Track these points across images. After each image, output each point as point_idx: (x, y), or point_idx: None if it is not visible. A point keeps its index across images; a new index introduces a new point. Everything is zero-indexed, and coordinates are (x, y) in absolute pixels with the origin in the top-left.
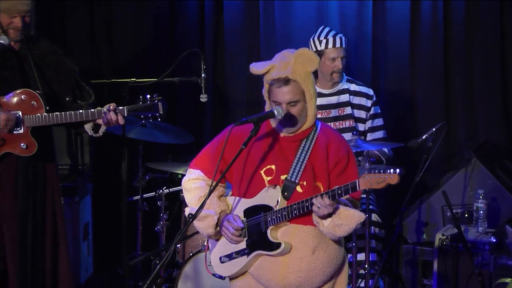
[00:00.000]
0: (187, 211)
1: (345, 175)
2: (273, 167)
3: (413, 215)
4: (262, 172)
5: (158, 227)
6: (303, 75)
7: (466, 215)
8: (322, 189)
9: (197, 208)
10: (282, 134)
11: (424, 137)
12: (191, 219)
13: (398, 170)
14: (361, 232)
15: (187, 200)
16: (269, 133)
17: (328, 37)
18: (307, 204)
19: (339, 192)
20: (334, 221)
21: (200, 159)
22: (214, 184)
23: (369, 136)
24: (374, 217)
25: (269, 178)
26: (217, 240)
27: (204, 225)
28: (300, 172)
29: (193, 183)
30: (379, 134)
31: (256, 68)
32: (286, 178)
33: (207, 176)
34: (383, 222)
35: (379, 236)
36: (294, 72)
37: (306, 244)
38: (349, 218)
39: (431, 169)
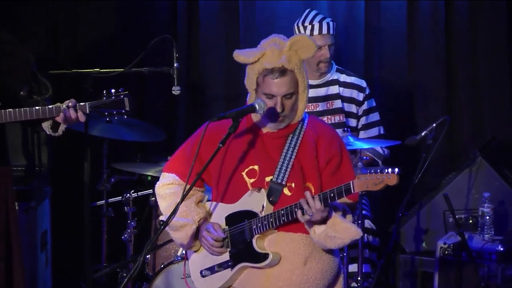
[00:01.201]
0: (161, 218)
1: (339, 174)
2: (256, 167)
3: (411, 221)
4: (244, 173)
5: (125, 235)
6: (298, 64)
7: (471, 221)
8: (313, 191)
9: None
10: (265, 130)
11: (423, 134)
12: (162, 227)
13: (396, 170)
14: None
15: (161, 208)
16: (250, 129)
17: (313, 23)
18: (296, 209)
19: (331, 195)
20: (327, 232)
21: (174, 161)
22: (188, 187)
23: (363, 134)
24: (368, 223)
25: (252, 180)
26: (197, 251)
27: (181, 235)
28: (287, 173)
29: (168, 189)
30: (374, 131)
31: (245, 55)
32: (271, 179)
33: (183, 180)
34: (377, 229)
35: (373, 245)
36: (290, 61)
37: (297, 254)
38: (344, 232)
39: (432, 170)
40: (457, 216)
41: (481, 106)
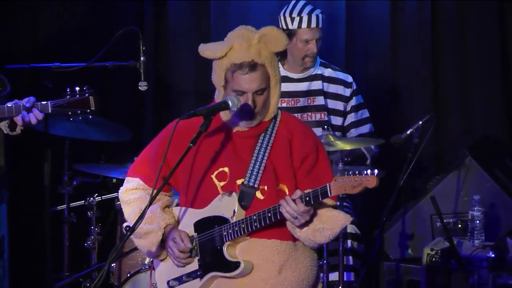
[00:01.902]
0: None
1: (314, 174)
2: (226, 169)
3: (396, 226)
4: (213, 176)
5: (89, 242)
6: (269, 57)
7: (460, 226)
8: (287, 193)
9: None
10: (235, 129)
11: (409, 132)
12: (128, 233)
13: (376, 171)
14: (334, 246)
15: (126, 215)
16: (219, 128)
17: (302, 15)
18: (269, 214)
19: (307, 199)
20: (314, 225)
21: (139, 164)
22: (154, 192)
23: (354, 132)
24: (351, 228)
25: (222, 183)
26: (164, 260)
27: (146, 243)
28: (259, 175)
29: (132, 194)
30: (366, 128)
31: (210, 50)
32: (243, 182)
33: (148, 185)
34: (361, 234)
35: (356, 251)
36: (260, 55)
37: (271, 262)
38: (332, 221)
39: (418, 171)
40: (445, 221)
41: (471, 102)
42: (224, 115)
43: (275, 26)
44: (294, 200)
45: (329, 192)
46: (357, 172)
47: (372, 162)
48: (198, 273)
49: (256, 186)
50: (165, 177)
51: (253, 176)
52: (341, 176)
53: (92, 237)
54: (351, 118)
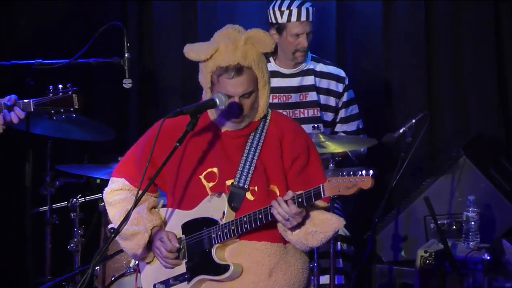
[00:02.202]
0: (112, 225)
1: (306, 174)
2: (215, 170)
3: (389, 228)
4: (202, 177)
5: (72, 245)
6: (256, 59)
7: (454, 227)
8: (278, 194)
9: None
10: (223, 129)
11: (401, 130)
12: (113, 235)
13: (371, 172)
14: (324, 249)
15: (110, 216)
16: (208, 127)
17: (291, 8)
18: (260, 216)
19: (299, 200)
20: (307, 228)
21: (124, 164)
22: (140, 193)
23: (340, 127)
24: (341, 230)
25: (211, 184)
26: (150, 263)
27: (132, 245)
28: (249, 175)
29: (117, 195)
30: (354, 125)
31: (195, 52)
32: (232, 183)
33: (134, 185)
34: (351, 236)
35: (347, 254)
36: (246, 57)
37: (261, 265)
38: (325, 224)
39: (411, 171)
40: (439, 222)
41: (465, 99)
42: (212, 114)
43: (261, 29)
44: (286, 202)
45: (322, 193)
46: (351, 172)
47: (360, 163)
48: (186, 276)
49: (246, 187)
50: (151, 177)
51: (243, 176)
52: (335, 177)
53: (75, 240)
54: (341, 113)
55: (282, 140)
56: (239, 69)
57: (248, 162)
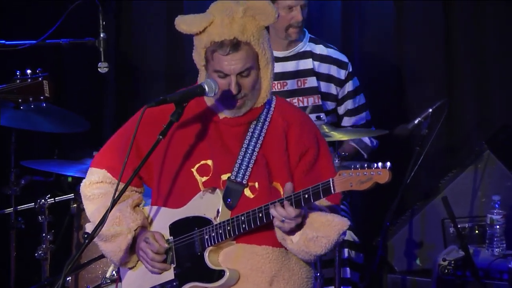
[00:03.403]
0: (88, 228)
1: (316, 172)
2: (209, 162)
3: (402, 232)
4: (193, 170)
5: (40, 252)
6: (256, 34)
7: (477, 232)
8: (282, 192)
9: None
10: (221, 116)
11: (416, 121)
12: (87, 240)
13: (388, 164)
14: (329, 256)
15: (88, 213)
16: (203, 114)
17: None
18: (260, 215)
19: (306, 196)
20: (307, 234)
21: (106, 153)
22: (121, 187)
23: (348, 121)
24: (348, 235)
25: (204, 178)
26: (133, 268)
27: (113, 247)
28: (249, 169)
29: (96, 189)
30: (362, 117)
31: (187, 24)
32: (229, 178)
33: (116, 178)
34: (360, 241)
35: (355, 262)
36: (244, 31)
37: (261, 272)
38: (326, 227)
39: (427, 167)
40: (459, 226)
41: (489, 86)
42: (208, 100)
43: None
44: (281, 204)
45: (332, 188)
46: (365, 165)
47: (370, 158)
48: (174, 283)
49: (244, 182)
50: (135, 169)
51: (242, 170)
52: (347, 170)
53: (44, 246)
54: (348, 105)
55: (288, 132)
56: (235, 45)
57: (248, 154)
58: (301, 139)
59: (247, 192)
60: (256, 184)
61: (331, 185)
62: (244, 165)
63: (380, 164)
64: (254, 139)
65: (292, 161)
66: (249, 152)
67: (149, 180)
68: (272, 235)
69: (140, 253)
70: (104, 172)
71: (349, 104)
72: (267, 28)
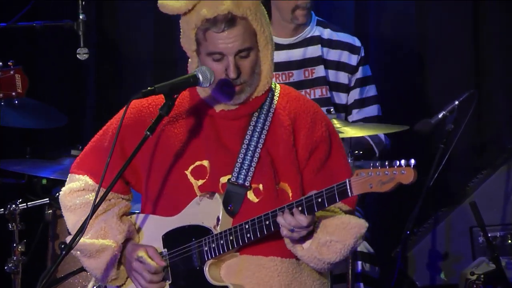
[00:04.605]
0: (69, 240)
1: (328, 170)
2: (205, 163)
3: (424, 242)
4: (188, 172)
5: (10, 265)
6: (252, 7)
7: (510, 241)
8: (290, 194)
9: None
10: (218, 108)
11: (441, 115)
12: (64, 251)
13: (412, 161)
14: (340, 270)
15: (69, 226)
16: (196, 108)
17: None
18: (267, 222)
19: (319, 200)
20: (319, 238)
21: (88, 157)
22: (101, 194)
23: (356, 115)
24: (361, 245)
25: (200, 182)
26: (121, 286)
27: (98, 263)
28: (252, 169)
29: (78, 197)
30: (372, 110)
31: (172, 4)
32: (229, 180)
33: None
34: (376, 253)
35: (370, 277)
36: (239, 4)
37: (269, 286)
38: (342, 231)
39: (453, 168)
40: (489, 235)
41: None
42: (202, 91)
43: None
44: (290, 211)
45: (349, 191)
46: (386, 163)
47: (381, 157)
48: None
49: (247, 184)
50: (118, 172)
51: (243, 171)
52: (365, 169)
53: (15, 258)
54: (354, 94)
55: (295, 124)
56: (231, 20)
57: (250, 152)
58: (311, 133)
59: (251, 195)
60: (261, 186)
61: (348, 187)
62: (245, 165)
63: (403, 161)
64: (257, 134)
65: (301, 158)
66: (251, 149)
67: (137, 185)
68: (281, 244)
69: (134, 275)
70: (86, 178)
71: (356, 94)
72: (269, 12)
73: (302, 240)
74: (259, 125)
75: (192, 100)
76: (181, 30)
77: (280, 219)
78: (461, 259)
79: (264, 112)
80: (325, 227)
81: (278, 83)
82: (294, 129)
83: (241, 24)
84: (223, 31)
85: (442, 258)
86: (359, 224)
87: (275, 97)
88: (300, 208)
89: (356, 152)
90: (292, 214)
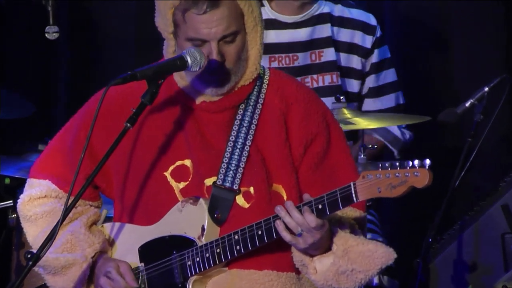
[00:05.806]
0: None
1: (327, 167)
2: (187, 163)
3: (449, 251)
4: (167, 174)
5: None
6: None
7: None
8: (285, 197)
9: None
10: (198, 100)
11: (468, 104)
12: (30, 263)
13: (427, 162)
14: None
15: (30, 238)
16: (174, 99)
17: None
18: (260, 232)
19: (319, 207)
20: (339, 266)
21: (49, 158)
22: (70, 201)
23: (370, 104)
24: None
25: (182, 184)
26: None
27: (64, 281)
28: (240, 169)
29: (39, 206)
30: (390, 100)
31: None
32: (214, 183)
33: (64, 190)
34: (394, 264)
35: None
36: None
37: None
38: (366, 259)
39: (482, 165)
40: None
41: None
42: (181, 79)
43: None
44: (299, 209)
45: (354, 196)
46: (397, 164)
47: (401, 155)
48: None
49: (235, 187)
50: (88, 176)
51: (231, 172)
52: (372, 171)
53: None
54: (369, 81)
55: (287, 115)
56: (213, 0)
57: (238, 150)
58: (305, 124)
59: (240, 200)
60: (251, 189)
61: (353, 192)
62: (233, 165)
63: (417, 162)
64: (244, 128)
65: (296, 155)
66: (239, 146)
67: (108, 188)
68: (276, 256)
69: None
70: (48, 184)
71: (370, 81)
72: None
73: (311, 250)
74: (247, 118)
75: (169, 90)
76: (156, 9)
77: (287, 219)
78: (491, 270)
79: (251, 104)
80: (346, 253)
81: (273, 68)
82: (287, 121)
83: (226, 4)
84: (205, 13)
85: (469, 270)
86: (387, 254)
87: (264, 85)
88: (312, 211)
89: (370, 146)
90: (302, 211)
